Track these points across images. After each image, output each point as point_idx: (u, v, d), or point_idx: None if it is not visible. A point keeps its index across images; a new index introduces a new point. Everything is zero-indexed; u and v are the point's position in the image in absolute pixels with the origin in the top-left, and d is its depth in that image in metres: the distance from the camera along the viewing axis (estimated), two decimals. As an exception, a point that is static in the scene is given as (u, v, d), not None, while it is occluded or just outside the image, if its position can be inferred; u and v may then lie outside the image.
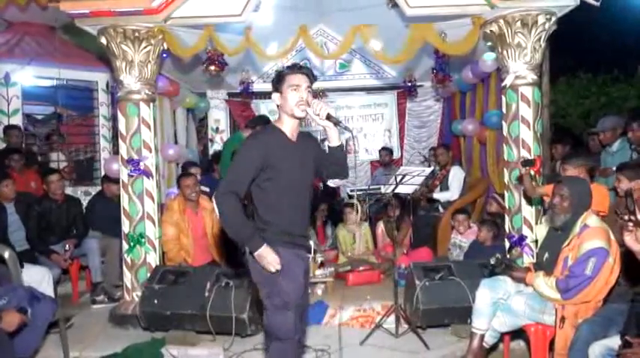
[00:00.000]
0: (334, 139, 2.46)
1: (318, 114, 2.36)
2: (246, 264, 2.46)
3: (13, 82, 5.87)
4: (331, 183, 2.62)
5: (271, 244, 2.33)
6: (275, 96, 2.47)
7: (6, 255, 3.48)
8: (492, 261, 3.17)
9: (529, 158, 3.75)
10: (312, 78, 2.45)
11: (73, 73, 6.26)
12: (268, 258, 2.31)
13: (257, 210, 2.42)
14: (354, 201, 5.75)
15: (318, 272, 4.47)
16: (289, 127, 2.45)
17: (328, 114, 2.36)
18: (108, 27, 3.92)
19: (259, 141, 2.38)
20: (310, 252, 2.55)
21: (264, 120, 4.72)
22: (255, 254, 2.31)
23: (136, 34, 3.94)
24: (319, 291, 4.39)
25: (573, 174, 3.42)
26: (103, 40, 4.01)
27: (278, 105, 2.47)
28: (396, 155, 7.72)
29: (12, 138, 5.52)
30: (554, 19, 3.90)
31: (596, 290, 2.75)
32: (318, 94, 7.55)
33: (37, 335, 3.07)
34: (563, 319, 2.78)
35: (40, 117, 6.53)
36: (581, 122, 10.53)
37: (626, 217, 2.17)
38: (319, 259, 4.54)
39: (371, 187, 6.49)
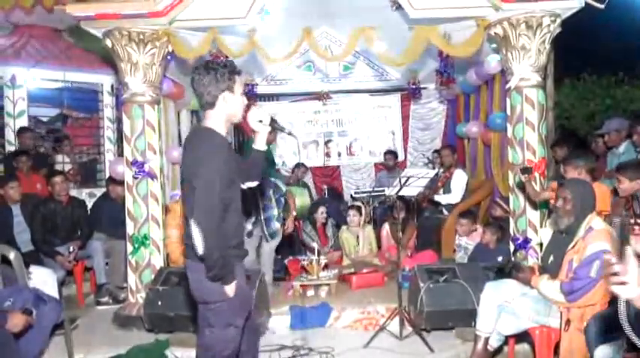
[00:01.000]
0: (262, 144, 2.44)
1: (261, 121, 2.36)
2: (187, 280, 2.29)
3: (19, 84, 5.92)
4: (245, 186, 2.45)
5: None
6: (227, 95, 2.20)
7: (11, 256, 3.49)
8: (499, 263, 3.15)
9: (527, 166, 3.75)
10: None
11: (78, 76, 6.32)
12: (233, 286, 2.19)
13: None
14: (358, 203, 5.75)
15: (322, 274, 4.46)
16: (224, 132, 2.28)
17: (272, 119, 2.40)
18: (113, 29, 3.94)
19: (221, 151, 2.16)
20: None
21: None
22: (229, 286, 2.17)
23: (141, 37, 3.96)
24: (323, 293, 4.38)
25: (573, 175, 3.40)
26: (108, 43, 4.03)
27: (209, 103, 2.22)
28: (400, 157, 7.70)
29: (24, 140, 5.57)
30: (558, 21, 3.89)
31: (601, 293, 2.73)
32: (322, 96, 7.57)
33: (42, 337, 3.08)
34: (568, 322, 2.76)
35: (45, 119, 6.56)
36: (585, 124, 10.48)
37: (632, 220, 2.16)
38: (323, 261, 4.54)
39: (375, 189, 6.49)
